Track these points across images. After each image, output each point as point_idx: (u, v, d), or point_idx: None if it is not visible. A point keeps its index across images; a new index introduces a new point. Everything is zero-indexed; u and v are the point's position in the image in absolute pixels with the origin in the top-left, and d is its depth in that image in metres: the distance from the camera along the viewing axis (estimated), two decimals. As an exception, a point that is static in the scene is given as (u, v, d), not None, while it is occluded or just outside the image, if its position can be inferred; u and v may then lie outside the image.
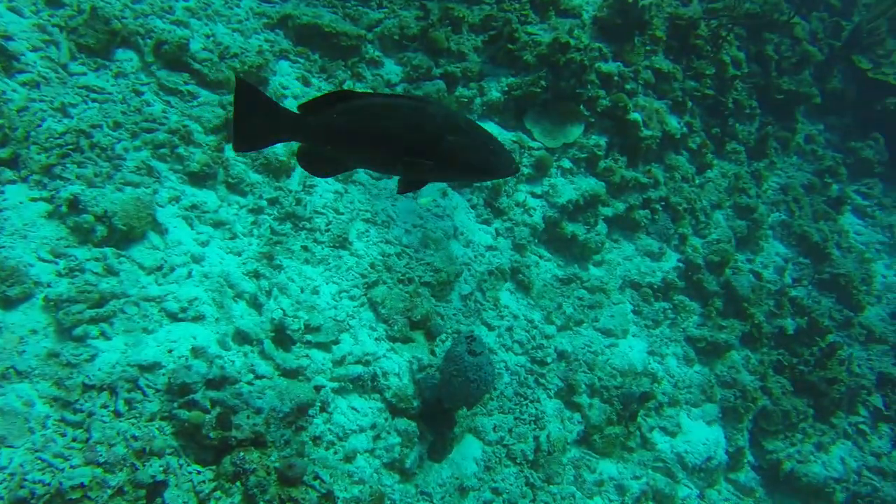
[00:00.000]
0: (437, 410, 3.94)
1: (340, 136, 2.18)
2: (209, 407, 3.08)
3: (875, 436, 6.46)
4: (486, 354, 3.70)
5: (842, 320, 7.10)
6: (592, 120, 5.86)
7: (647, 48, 6.26)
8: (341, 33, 5.16)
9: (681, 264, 6.03)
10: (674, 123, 6.31)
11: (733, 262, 6.33)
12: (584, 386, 4.78)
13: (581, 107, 5.76)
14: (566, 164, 5.74)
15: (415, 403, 3.86)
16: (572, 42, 5.55)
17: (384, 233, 4.63)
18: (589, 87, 5.75)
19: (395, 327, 4.08)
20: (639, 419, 5.03)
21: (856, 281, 7.17)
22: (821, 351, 6.29)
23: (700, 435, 5.40)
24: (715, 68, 6.72)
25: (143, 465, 2.76)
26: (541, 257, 5.54)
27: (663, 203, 6.15)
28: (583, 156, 5.78)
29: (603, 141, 5.86)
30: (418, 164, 2.22)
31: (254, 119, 2.17)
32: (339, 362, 3.79)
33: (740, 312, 5.95)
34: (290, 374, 3.56)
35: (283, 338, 3.65)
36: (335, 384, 3.72)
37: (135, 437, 2.82)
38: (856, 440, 6.37)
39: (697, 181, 6.55)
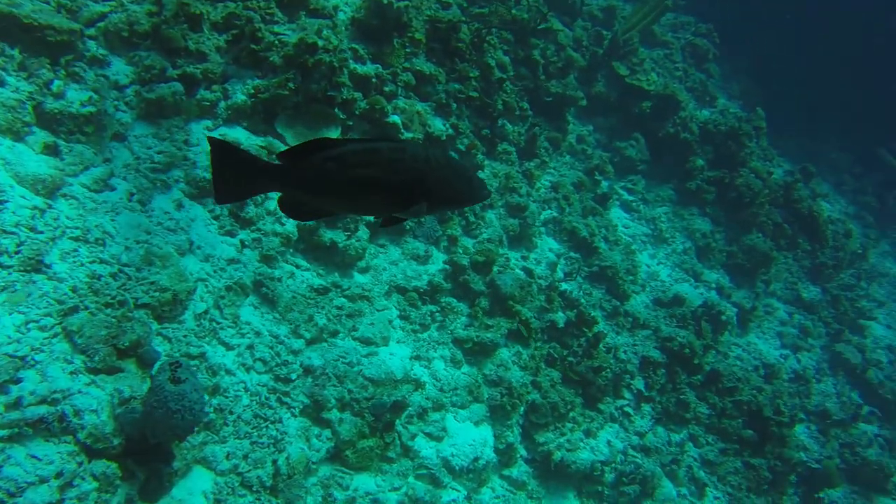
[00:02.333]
0: (146, 446, 3.54)
1: (323, 185, 2.15)
2: None
3: (638, 416, 6.89)
4: (191, 381, 3.37)
5: (610, 310, 7.53)
6: (350, 123, 5.70)
7: (408, 50, 6.23)
8: (47, 26, 4.57)
9: (447, 266, 6.04)
10: (438, 125, 6.32)
11: (502, 261, 6.46)
12: (333, 400, 4.58)
13: (336, 110, 5.58)
14: (323, 169, 5.52)
15: (115, 442, 3.44)
16: (320, 43, 5.36)
17: (98, 251, 4.14)
18: (343, 89, 5.59)
19: (97, 358, 3.63)
20: (398, 428, 4.92)
21: (621, 272, 7.64)
22: (587, 341, 6.59)
23: (467, 436, 5.40)
24: (479, 71, 6.85)
25: None
26: (298, 267, 5.29)
27: (429, 206, 6.14)
28: (341, 160, 5.59)
29: (362, 144, 5.71)
30: (411, 213, 2.23)
31: (230, 173, 2.15)
32: (13, 405, 3.28)
33: (507, 310, 6.07)
34: (-61, 426, 3.01)
35: (-70, 384, 3.08)
36: (6, 431, 3.20)
37: None
38: (621, 422, 6.75)
39: (466, 183, 6.61)
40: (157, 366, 3.89)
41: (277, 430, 4.27)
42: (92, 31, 4.95)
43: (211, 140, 2.15)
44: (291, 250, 5.34)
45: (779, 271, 9.61)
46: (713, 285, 8.75)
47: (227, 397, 4.23)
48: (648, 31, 9.79)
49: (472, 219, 6.53)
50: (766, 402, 7.56)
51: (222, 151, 2.16)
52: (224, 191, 2.20)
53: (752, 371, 8.29)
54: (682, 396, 7.26)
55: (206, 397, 4.09)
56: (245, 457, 4.06)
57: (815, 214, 10.00)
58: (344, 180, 2.14)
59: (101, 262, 4.10)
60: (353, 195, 2.19)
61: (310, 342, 4.85)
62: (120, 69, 5.02)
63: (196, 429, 3.87)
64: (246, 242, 4.98)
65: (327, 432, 4.53)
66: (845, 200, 11.91)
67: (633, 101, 8.95)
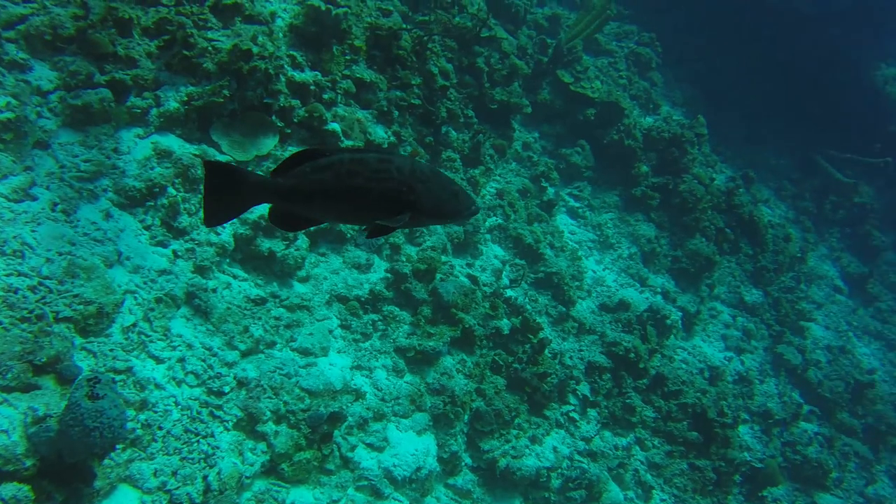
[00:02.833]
0: (64, 466, 3.40)
1: (313, 196, 2.21)
2: None
3: (584, 421, 6.93)
4: (110, 397, 3.25)
5: (556, 316, 7.57)
6: (288, 131, 5.63)
7: (347, 58, 6.18)
8: (-38, 31, 4.39)
9: (389, 274, 5.99)
10: (380, 133, 6.29)
11: (446, 269, 6.44)
12: (268, 413, 4.49)
13: (273, 117, 5.50)
14: (261, 177, 5.43)
15: (28, 463, 3.29)
16: (256, 49, 5.27)
17: (16, 264, 3.97)
18: (281, 97, 5.52)
19: (9, 375, 3.48)
20: (337, 439, 4.84)
21: (567, 278, 7.70)
22: (532, 347, 6.61)
23: (409, 446, 5.35)
24: (422, 78, 6.84)
25: None
26: (235, 277, 5.18)
27: (371, 213, 6.09)
28: (279, 168, 5.50)
29: (301, 152, 5.63)
30: (395, 221, 2.28)
31: (222, 193, 2.20)
32: (-83, 427, 3.11)
33: (450, 318, 6.04)
34: None
35: None
36: None
37: None
38: (567, 428, 6.78)
39: (409, 190, 6.58)
40: (77, 381, 3.75)
41: (209, 444, 4.15)
42: (11, 34, 4.77)
43: (206, 163, 2.19)
44: (228, 260, 5.23)
45: (722, 275, 9.82)
46: (658, 290, 8.88)
47: (155, 412, 4.10)
48: (593, 40, 9.93)
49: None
50: (710, 404, 7.69)
51: (217, 170, 2.19)
52: (215, 214, 2.25)
53: (697, 374, 8.42)
54: (628, 400, 7.33)
55: (133, 413, 3.96)
56: (174, 473, 3.93)
57: (756, 219, 10.26)
58: (332, 189, 2.20)
59: (19, 274, 3.94)
60: (341, 204, 2.25)
61: (245, 354, 4.74)
62: (43, 74, 4.85)
63: (120, 446, 3.74)
64: (179, 253, 4.85)
65: (262, 445, 4.43)
66: (785, 205, 12.26)
67: (578, 108, 9.06)
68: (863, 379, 10.05)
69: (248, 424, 4.43)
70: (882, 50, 13.44)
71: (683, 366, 8.42)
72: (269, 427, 4.47)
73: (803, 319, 10.47)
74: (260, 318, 4.99)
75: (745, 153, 12.18)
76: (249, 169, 5.43)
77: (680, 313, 8.83)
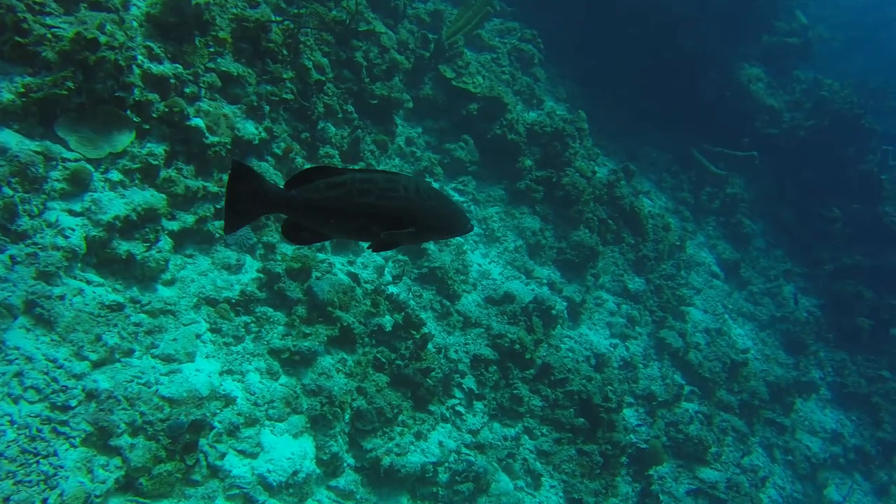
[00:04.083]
0: None
1: (326, 211, 2.33)
2: None
3: (470, 414, 6.96)
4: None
5: (441, 310, 7.57)
6: (147, 127, 5.31)
7: (211, 50, 5.90)
8: None
9: (261, 275, 5.78)
10: (250, 128, 6.06)
11: (325, 266, 6.29)
12: (123, 425, 4.20)
13: (129, 111, 5.17)
14: (115, 176, 5.10)
15: None
16: (103, 39, 4.93)
17: None
18: (136, 90, 5.19)
19: None
20: (205, 448, 4.61)
21: (451, 272, 7.71)
22: (415, 343, 6.57)
23: (285, 450, 5.18)
24: (295, 72, 6.65)
25: None
26: (88, 283, 4.82)
27: (242, 212, 5.85)
28: (136, 166, 5.19)
29: (161, 149, 5.34)
30: (401, 235, 2.42)
31: (245, 198, 2.29)
32: None
33: (328, 317, 5.90)
34: None
35: None
36: None
37: None
38: (453, 422, 6.78)
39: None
40: None
41: (51, 464, 3.83)
42: None
43: (235, 163, 2.27)
44: (80, 265, 4.87)
45: (606, 265, 10.15)
46: (545, 281, 9.06)
47: (-13, 433, 3.74)
48: (475, 36, 10.02)
49: (291, 224, 6.29)
50: (595, 390, 7.90)
51: (243, 175, 2.26)
52: (237, 219, 2.33)
53: (584, 361, 8.66)
54: (515, 391, 7.43)
55: (-43, 435, 3.60)
56: (6, 500, 3.60)
57: (637, 210, 10.67)
58: (345, 206, 2.33)
59: None
60: (351, 220, 2.38)
61: (97, 364, 4.41)
62: None
63: (-61, 473, 3.39)
64: (18, 258, 4.46)
65: (116, 461, 4.14)
66: (665, 196, 12.84)
67: (461, 103, 9.10)
68: (738, 358, 10.67)
69: (100, 439, 4.13)
70: (744, 50, 14.33)
71: (570, 354, 8.63)
72: (124, 440, 4.18)
73: (683, 305, 10.99)
74: (116, 325, 4.68)
75: (626, 147, 12.66)
76: (103, 167, 5.09)
77: (565, 303, 9.05)
